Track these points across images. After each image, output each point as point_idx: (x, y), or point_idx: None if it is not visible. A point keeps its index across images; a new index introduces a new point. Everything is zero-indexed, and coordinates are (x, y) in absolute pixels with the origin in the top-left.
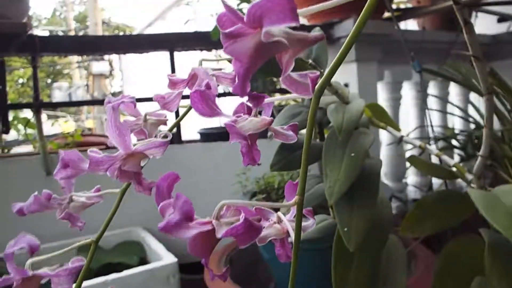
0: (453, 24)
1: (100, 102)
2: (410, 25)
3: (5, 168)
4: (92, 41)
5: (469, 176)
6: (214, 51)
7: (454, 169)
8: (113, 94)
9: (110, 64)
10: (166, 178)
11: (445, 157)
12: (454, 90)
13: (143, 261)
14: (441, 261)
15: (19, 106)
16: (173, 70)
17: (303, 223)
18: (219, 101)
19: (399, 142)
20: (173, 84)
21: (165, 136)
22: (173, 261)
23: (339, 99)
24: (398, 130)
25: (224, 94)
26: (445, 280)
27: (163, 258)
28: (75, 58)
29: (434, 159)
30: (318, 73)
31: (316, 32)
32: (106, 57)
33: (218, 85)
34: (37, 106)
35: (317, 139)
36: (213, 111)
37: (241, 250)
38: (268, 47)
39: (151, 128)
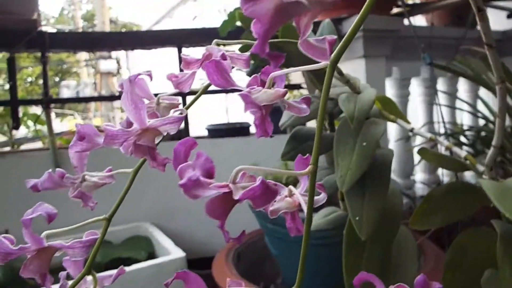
0: (462, 20)
1: (108, 98)
2: (418, 21)
3: (16, 163)
4: (100, 37)
5: (481, 168)
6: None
7: (465, 161)
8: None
9: (118, 62)
10: (183, 143)
11: (456, 149)
12: (463, 86)
13: (151, 256)
14: (452, 254)
15: (29, 102)
16: (181, 70)
17: (315, 197)
18: (227, 97)
19: (410, 134)
20: (187, 63)
21: (181, 113)
22: (181, 256)
23: (350, 89)
24: (408, 122)
25: (232, 91)
26: (455, 272)
27: (172, 252)
28: (83, 57)
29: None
30: (335, 37)
31: None
32: (113, 55)
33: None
34: (47, 102)
35: (328, 130)
36: (228, 82)
37: (248, 246)
38: (288, 8)
39: (163, 111)
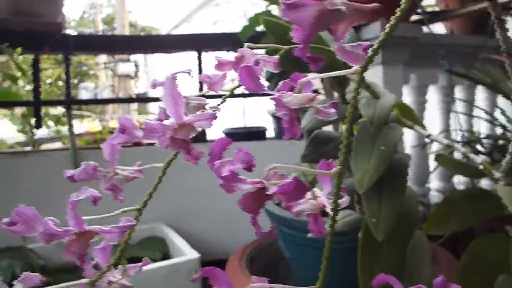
0: (482, 28)
1: (128, 100)
2: (438, 28)
3: (36, 162)
4: (122, 40)
5: (497, 175)
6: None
7: (481, 168)
8: (138, 95)
9: (136, 65)
10: (219, 142)
11: (472, 156)
12: (480, 95)
13: (166, 256)
14: (467, 259)
15: (52, 103)
16: (200, 71)
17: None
18: (246, 101)
19: (427, 141)
20: (220, 65)
21: (214, 110)
22: (196, 257)
23: (370, 94)
24: (425, 129)
25: (250, 95)
26: (469, 277)
27: (186, 253)
28: (101, 59)
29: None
30: (370, 43)
31: (371, 5)
32: (132, 58)
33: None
34: (69, 102)
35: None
36: (259, 87)
37: (261, 250)
38: (328, 15)
39: (192, 111)
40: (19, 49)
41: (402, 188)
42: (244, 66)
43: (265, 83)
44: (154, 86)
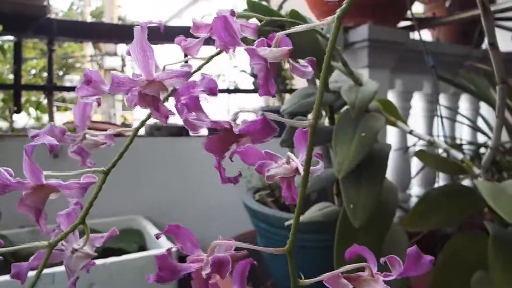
0: (467, 38)
1: None
2: (424, 36)
3: (14, 147)
4: (108, 29)
5: (477, 171)
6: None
7: (462, 164)
8: None
9: (123, 59)
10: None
11: (454, 152)
12: (464, 104)
13: (143, 249)
14: (443, 256)
15: (32, 88)
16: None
17: (312, 167)
18: (230, 98)
19: (409, 145)
20: (196, 28)
21: (188, 67)
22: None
23: (353, 81)
24: (407, 126)
25: (235, 91)
26: (446, 275)
27: (164, 246)
28: (88, 52)
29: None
30: None
31: None
32: (119, 52)
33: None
34: (50, 88)
35: (327, 123)
36: (234, 40)
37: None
38: None
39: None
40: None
41: (382, 177)
42: (219, 16)
43: (251, 79)
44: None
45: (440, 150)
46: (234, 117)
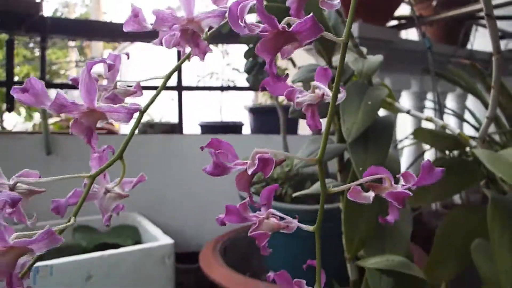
0: (453, 38)
1: None
2: (411, 36)
3: (6, 145)
4: (101, 26)
5: (474, 143)
6: (220, 46)
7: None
8: None
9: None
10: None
11: (451, 127)
12: (451, 102)
13: (138, 244)
14: (442, 230)
15: None
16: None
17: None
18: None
19: (397, 141)
20: None
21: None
22: (169, 242)
23: (357, 54)
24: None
25: (228, 88)
26: (444, 248)
27: (160, 240)
28: (73, 57)
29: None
30: None
31: None
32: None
33: None
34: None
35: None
36: None
37: (234, 241)
38: None
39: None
40: None
41: (388, 141)
42: None
43: (244, 77)
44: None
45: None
46: (286, 22)
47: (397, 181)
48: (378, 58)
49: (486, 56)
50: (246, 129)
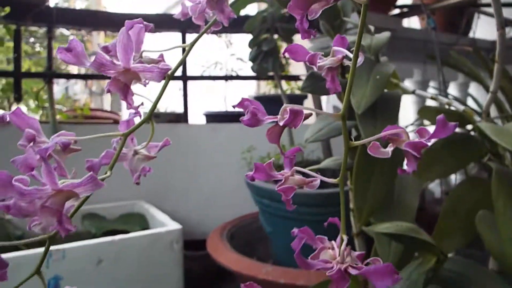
0: (454, 27)
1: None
2: (413, 25)
3: (15, 134)
4: (107, 17)
5: (478, 118)
6: (224, 35)
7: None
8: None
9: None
10: None
11: (456, 104)
12: (453, 91)
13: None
14: (448, 203)
15: (32, 75)
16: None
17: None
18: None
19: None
20: None
21: None
22: (177, 228)
23: (366, 31)
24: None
25: (232, 78)
26: (449, 220)
27: (168, 225)
28: None
29: None
30: None
31: None
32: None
33: None
34: (50, 75)
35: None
36: None
37: (241, 228)
38: None
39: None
40: (8, 9)
41: (395, 114)
42: None
43: (248, 66)
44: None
45: None
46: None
47: None
48: (385, 34)
49: (488, 45)
50: None
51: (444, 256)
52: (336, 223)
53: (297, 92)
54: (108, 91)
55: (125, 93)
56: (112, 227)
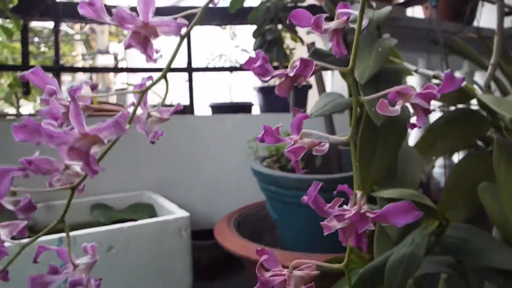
0: (458, 16)
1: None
2: (417, 14)
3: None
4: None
5: (480, 92)
6: (228, 27)
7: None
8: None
9: (115, 57)
10: None
11: None
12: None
13: None
14: (451, 178)
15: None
16: (189, 46)
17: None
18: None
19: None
20: None
21: None
22: (185, 215)
23: (367, 5)
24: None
25: (236, 69)
26: (453, 195)
27: (175, 213)
28: (79, 51)
29: None
30: None
31: None
32: (111, 50)
33: None
34: (58, 69)
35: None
36: None
37: (248, 216)
38: None
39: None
40: (16, 0)
41: (398, 85)
42: None
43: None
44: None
45: None
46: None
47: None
48: (386, 8)
49: (492, 34)
50: (255, 110)
51: (446, 220)
52: (345, 190)
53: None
54: (129, 45)
55: (145, 46)
56: (121, 217)
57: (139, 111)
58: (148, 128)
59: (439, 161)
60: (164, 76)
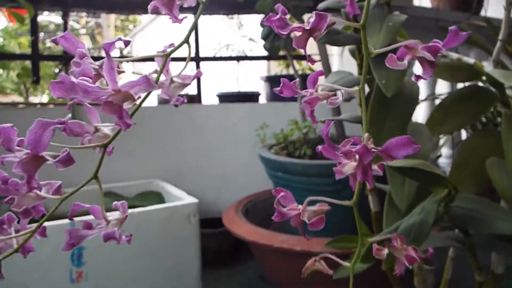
0: (466, 5)
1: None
2: (424, 4)
3: (33, 116)
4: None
5: (489, 68)
6: (236, 17)
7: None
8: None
9: (121, 51)
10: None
11: (466, 59)
12: None
13: None
14: (459, 155)
15: (50, 58)
16: (196, 36)
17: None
18: (239, 67)
19: None
20: None
21: None
22: (193, 201)
23: None
24: None
25: (243, 58)
26: (462, 171)
27: (184, 199)
28: (86, 45)
29: None
30: None
31: None
32: (117, 44)
33: None
34: (67, 58)
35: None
36: None
37: (256, 204)
38: None
39: None
40: None
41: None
42: None
43: (259, 47)
44: None
45: None
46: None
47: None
48: None
49: (499, 24)
50: (262, 99)
51: (455, 189)
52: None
53: (309, 72)
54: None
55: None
56: (130, 204)
57: (162, 77)
58: (171, 93)
59: (445, 151)
60: (186, 41)
